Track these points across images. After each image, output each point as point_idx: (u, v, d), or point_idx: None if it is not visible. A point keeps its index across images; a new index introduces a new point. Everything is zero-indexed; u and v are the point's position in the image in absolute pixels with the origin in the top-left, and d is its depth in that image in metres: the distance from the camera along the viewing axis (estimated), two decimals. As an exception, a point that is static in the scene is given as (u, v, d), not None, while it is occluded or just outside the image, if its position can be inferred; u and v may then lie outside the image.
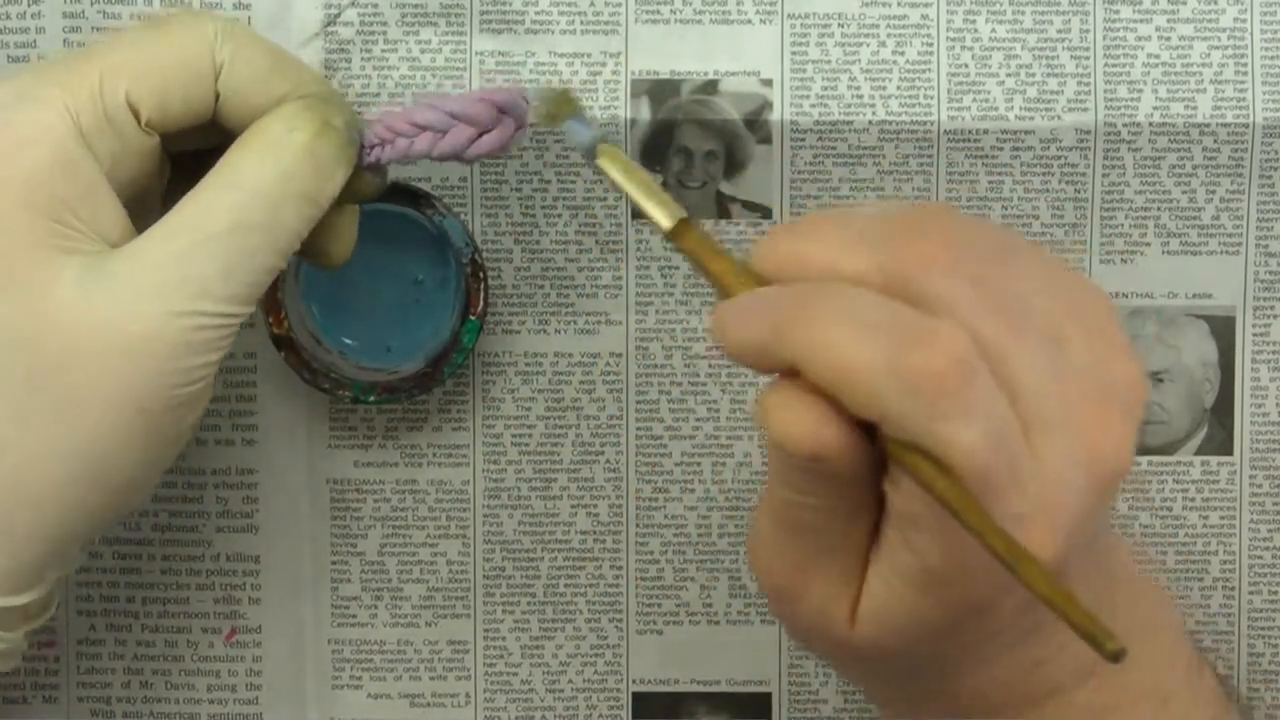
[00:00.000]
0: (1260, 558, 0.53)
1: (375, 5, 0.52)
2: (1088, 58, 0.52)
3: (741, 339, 0.38)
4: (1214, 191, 0.53)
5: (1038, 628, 0.42)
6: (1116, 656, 0.36)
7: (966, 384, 0.36)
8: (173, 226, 0.41)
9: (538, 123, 0.43)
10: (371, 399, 0.50)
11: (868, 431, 0.37)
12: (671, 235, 0.40)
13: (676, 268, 0.53)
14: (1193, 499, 0.53)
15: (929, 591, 0.39)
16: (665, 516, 0.53)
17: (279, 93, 0.42)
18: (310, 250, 0.44)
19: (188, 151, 0.44)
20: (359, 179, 0.44)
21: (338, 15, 0.52)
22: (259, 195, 0.41)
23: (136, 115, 0.42)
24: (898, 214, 0.39)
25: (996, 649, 0.42)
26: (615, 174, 0.41)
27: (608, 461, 0.53)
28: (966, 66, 0.52)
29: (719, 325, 0.38)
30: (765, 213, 0.52)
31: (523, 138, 0.45)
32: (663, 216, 0.40)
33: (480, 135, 0.44)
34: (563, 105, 0.42)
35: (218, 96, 0.43)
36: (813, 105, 0.52)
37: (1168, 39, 0.52)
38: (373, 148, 0.44)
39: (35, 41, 0.51)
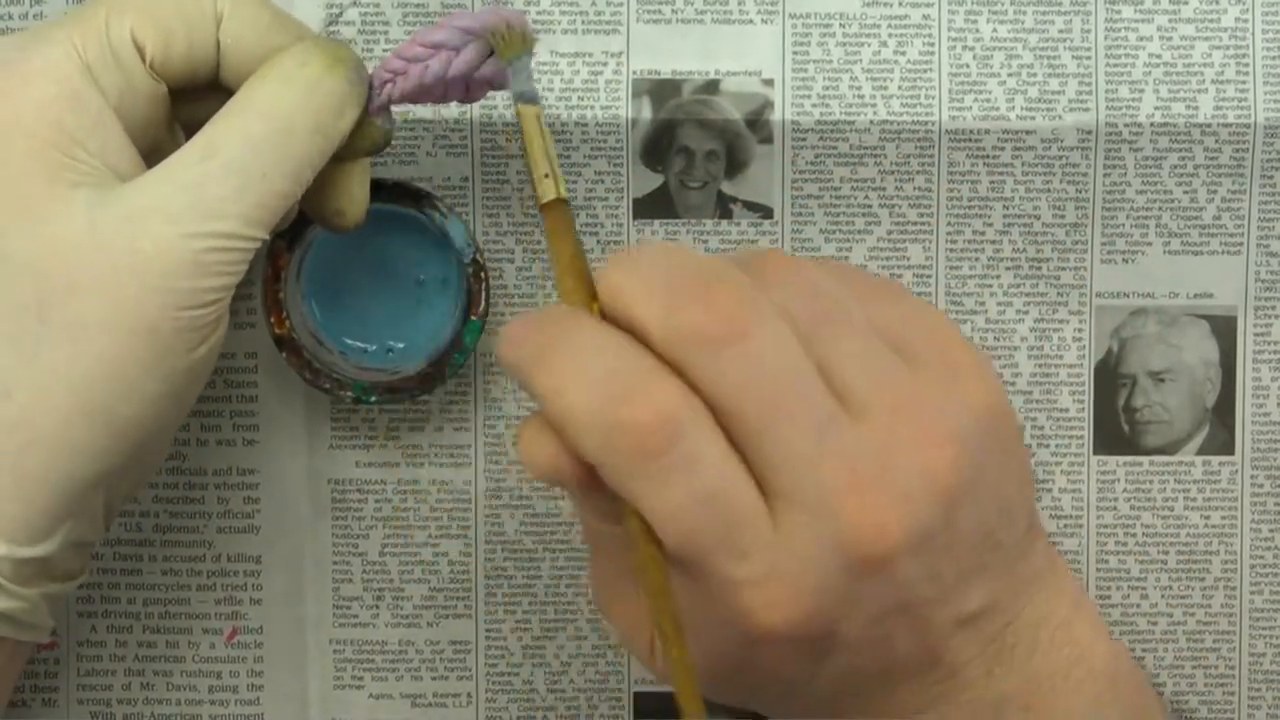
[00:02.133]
0: (1261, 558, 0.53)
1: (377, 5, 0.52)
2: (1089, 58, 0.52)
3: (506, 362, 0.40)
4: (1215, 191, 0.53)
5: (900, 681, 0.42)
6: None
7: (670, 444, 0.37)
8: (183, 155, 0.41)
9: (496, 50, 0.44)
10: (373, 399, 0.50)
11: None
12: (546, 208, 0.42)
13: (678, 268, 0.53)
14: (1194, 499, 0.53)
15: (691, 637, 0.40)
16: (667, 517, 0.53)
17: (279, 43, 0.43)
18: (325, 211, 0.45)
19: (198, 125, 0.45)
20: (368, 126, 0.44)
21: (339, 15, 0.52)
22: (270, 120, 0.41)
23: (141, 54, 0.42)
24: (706, 270, 0.39)
25: (846, 702, 0.42)
26: (530, 128, 0.42)
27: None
28: (968, 66, 0.52)
29: (500, 338, 0.40)
30: (766, 213, 0.52)
31: (530, 62, 0.45)
32: (550, 188, 0.42)
33: (493, 53, 0.44)
34: (522, 43, 0.44)
35: (219, 50, 0.43)
36: (814, 105, 0.52)
37: (1169, 39, 0.52)
38: (384, 84, 0.44)
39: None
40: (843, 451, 0.38)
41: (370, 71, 0.44)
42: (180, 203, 0.40)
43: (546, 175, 0.42)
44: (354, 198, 0.45)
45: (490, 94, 0.47)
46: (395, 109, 0.45)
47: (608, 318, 0.39)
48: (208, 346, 0.42)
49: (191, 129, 0.46)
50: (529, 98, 0.43)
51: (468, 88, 0.45)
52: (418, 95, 0.45)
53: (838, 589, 0.39)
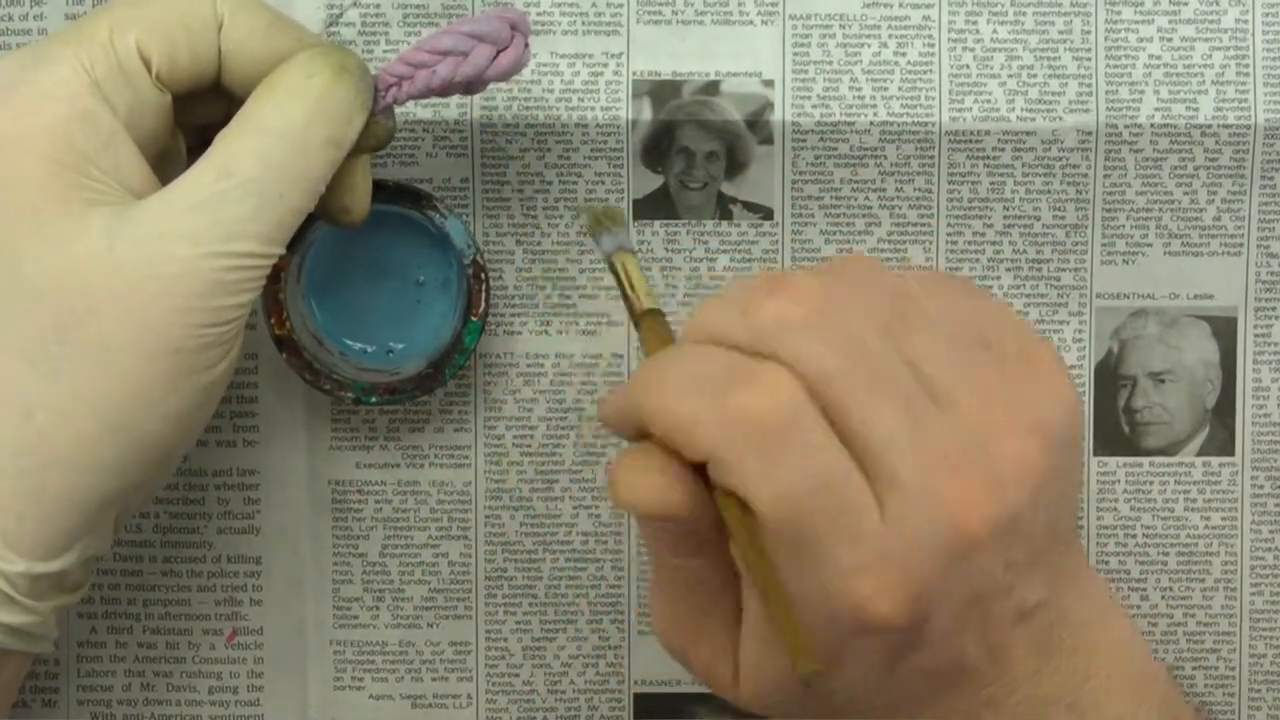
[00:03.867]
0: (1262, 559, 0.53)
1: (377, 5, 0.52)
2: (1089, 59, 0.52)
3: (609, 410, 0.41)
4: (1215, 192, 0.53)
5: (954, 685, 0.42)
6: None
7: (787, 425, 0.38)
8: (200, 172, 0.41)
9: (584, 229, 0.46)
10: (373, 400, 0.50)
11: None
12: (642, 316, 0.43)
13: (678, 269, 0.53)
14: (1194, 500, 0.53)
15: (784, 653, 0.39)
16: (667, 518, 0.53)
17: (280, 47, 0.43)
18: (331, 208, 0.45)
19: (203, 136, 0.44)
20: (372, 125, 0.45)
21: (340, 15, 0.52)
22: (284, 138, 0.41)
23: (147, 66, 0.42)
24: (778, 274, 0.40)
25: (913, 706, 0.42)
26: (632, 271, 0.44)
27: (609, 463, 0.53)
28: (968, 67, 0.52)
29: (599, 407, 0.41)
30: (767, 214, 0.52)
31: (530, 56, 0.45)
32: (647, 303, 0.43)
33: (498, 54, 0.45)
34: (613, 218, 0.46)
35: (220, 55, 0.43)
36: (814, 106, 0.52)
37: (1169, 40, 0.52)
38: (389, 88, 0.45)
39: (36, 42, 0.51)
40: (937, 437, 0.38)
41: (374, 74, 0.45)
42: (200, 224, 0.40)
43: (646, 295, 0.44)
44: (358, 194, 0.45)
45: (490, 92, 0.47)
46: (396, 107, 0.45)
47: None
48: (228, 361, 0.42)
49: (190, 131, 0.46)
50: (627, 249, 0.45)
51: (470, 85, 0.45)
52: (423, 97, 0.45)
53: (939, 574, 0.38)
